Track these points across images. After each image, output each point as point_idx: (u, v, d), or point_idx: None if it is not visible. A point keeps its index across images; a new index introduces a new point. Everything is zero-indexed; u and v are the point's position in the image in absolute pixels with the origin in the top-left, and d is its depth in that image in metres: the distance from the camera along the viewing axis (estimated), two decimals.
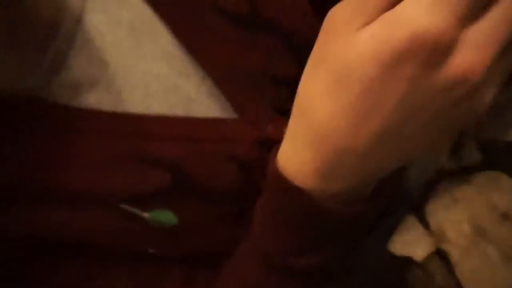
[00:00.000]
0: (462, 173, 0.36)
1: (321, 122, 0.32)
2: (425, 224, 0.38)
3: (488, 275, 0.34)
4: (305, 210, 0.36)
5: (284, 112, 0.37)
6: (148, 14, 0.45)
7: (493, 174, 0.35)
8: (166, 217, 0.45)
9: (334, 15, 0.31)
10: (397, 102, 0.29)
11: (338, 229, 0.37)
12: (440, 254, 0.37)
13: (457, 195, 0.36)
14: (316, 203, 0.35)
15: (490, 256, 0.34)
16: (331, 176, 0.34)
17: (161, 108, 0.45)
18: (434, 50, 0.27)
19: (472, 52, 0.27)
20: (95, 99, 0.43)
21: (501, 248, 0.33)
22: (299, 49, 0.34)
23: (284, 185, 0.36)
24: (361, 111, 0.30)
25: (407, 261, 0.39)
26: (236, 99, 0.47)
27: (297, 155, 0.35)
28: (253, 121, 0.47)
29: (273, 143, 0.39)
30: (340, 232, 0.38)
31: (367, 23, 0.29)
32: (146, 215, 0.44)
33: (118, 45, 0.44)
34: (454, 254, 0.36)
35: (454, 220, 0.36)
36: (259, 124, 0.47)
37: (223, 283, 0.46)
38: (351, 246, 0.40)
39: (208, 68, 0.46)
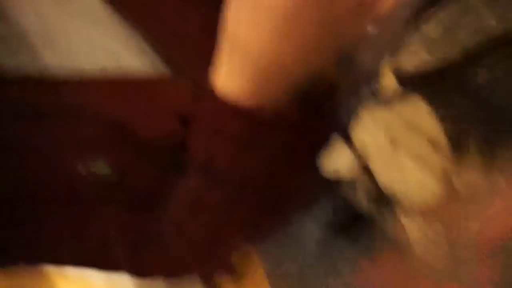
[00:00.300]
0: (384, 102, 0.43)
1: (251, 48, 0.37)
2: (351, 146, 0.44)
3: (400, 178, 0.41)
4: (250, 126, 0.41)
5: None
6: None
7: (410, 98, 0.41)
8: (103, 168, 0.48)
9: None
10: (313, 20, 0.35)
11: (274, 138, 0.42)
12: (366, 170, 0.43)
13: (377, 117, 0.43)
14: (258, 119, 0.41)
15: (404, 162, 0.40)
16: (266, 92, 0.40)
17: (89, 65, 0.47)
18: None
19: None
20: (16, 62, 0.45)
21: (412, 153, 0.40)
22: None
23: (227, 106, 0.40)
24: (284, 32, 0.36)
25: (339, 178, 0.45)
26: (170, 55, 0.50)
27: (234, 80, 0.40)
28: (190, 75, 0.50)
29: (209, 93, 0.43)
30: (273, 141, 0.43)
31: None
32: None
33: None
34: (376, 166, 0.42)
35: (374, 138, 0.42)
36: (196, 77, 0.51)
37: (173, 207, 0.49)
38: (284, 157, 0.45)
39: (143, 28, 0.48)
